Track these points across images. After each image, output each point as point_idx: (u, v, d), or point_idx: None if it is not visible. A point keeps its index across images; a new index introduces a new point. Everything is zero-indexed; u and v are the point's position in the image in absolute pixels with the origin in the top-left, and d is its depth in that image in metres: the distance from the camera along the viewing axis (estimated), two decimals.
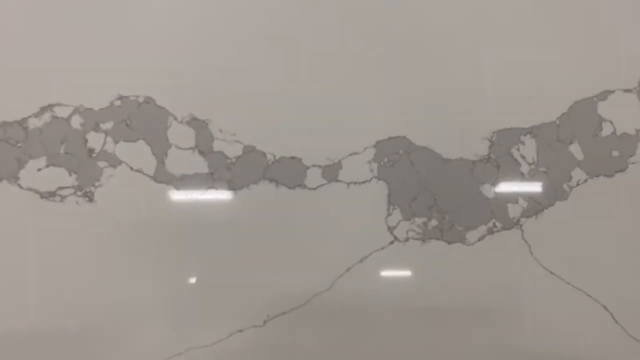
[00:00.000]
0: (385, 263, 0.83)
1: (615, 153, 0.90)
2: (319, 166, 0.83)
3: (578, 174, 0.89)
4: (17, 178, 0.79)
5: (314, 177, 0.84)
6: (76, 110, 0.82)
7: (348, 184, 0.84)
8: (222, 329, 0.77)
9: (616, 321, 0.84)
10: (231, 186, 0.82)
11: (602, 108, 0.91)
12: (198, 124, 0.83)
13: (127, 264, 0.78)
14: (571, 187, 0.89)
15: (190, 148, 0.83)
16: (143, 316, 0.77)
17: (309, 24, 0.88)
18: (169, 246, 0.79)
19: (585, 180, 0.89)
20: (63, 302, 0.77)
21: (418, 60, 0.88)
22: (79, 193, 0.79)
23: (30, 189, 0.79)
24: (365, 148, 0.85)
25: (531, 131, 0.90)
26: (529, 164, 0.89)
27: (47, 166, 0.80)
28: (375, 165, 0.85)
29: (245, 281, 0.79)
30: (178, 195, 0.80)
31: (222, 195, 0.81)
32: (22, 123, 0.80)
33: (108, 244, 0.78)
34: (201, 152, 0.82)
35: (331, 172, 0.84)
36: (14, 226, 0.78)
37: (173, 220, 0.80)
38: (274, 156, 0.83)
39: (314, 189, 0.84)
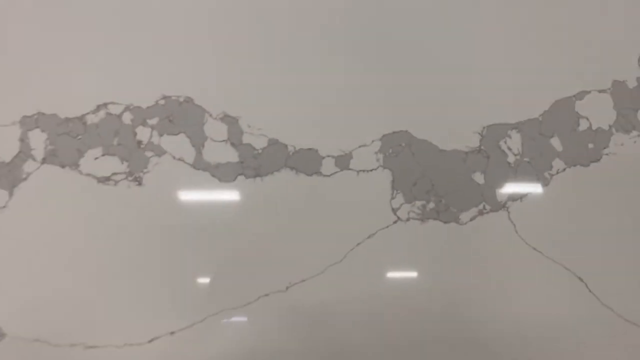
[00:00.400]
0: (389, 239, 0.96)
1: (590, 145, 1.03)
2: (333, 156, 0.96)
3: (558, 163, 1.01)
4: (78, 165, 0.92)
5: (328, 165, 0.96)
6: (127, 108, 0.95)
7: (358, 171, 0.97)
8: (251, 294, 0.91)
9: (590, 290, 0.97)
10: (258, 173, 0.95)
11: (579, 106, 1.04)
12: (230, 120, 0.96)
13: (170, 237, 0.91)
14: (552, 175, 1.01)
15: (223, 140, 0.96)
16: (185, 280, 0.90)
17: (329, 31, 1.01)
18: (207, 222, 0.92)
19: (564, 169, 1.01)
20: (115, 267, 0.91)
21: (418, 63, 1.02)
22: (129, 178, 0.92)
23: (88, 175, 0.92)
24: (373, 141, 0.98)
25: (517, 126, 1.02)
26: (515, 155, 1.01)
27: (102, 155, 0.92)
28: (381, 156, 0.97)
29: (270, 253, 0.92)
30: (213, 180, 0.94)
31: (250, 180, 0.95)
32: (81, 119, 0.93)
33: (155, 221, 0.92)
34: (232, 144, 0.95)
35: (343, 161, 0.96)
36: (76, 205, 0.91)
37: (209, 201, 0.94)
38: (294, 147, 0.96)
39: (329, 175, 0.96)
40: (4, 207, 0.89)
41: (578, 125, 1.02)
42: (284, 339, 0.89)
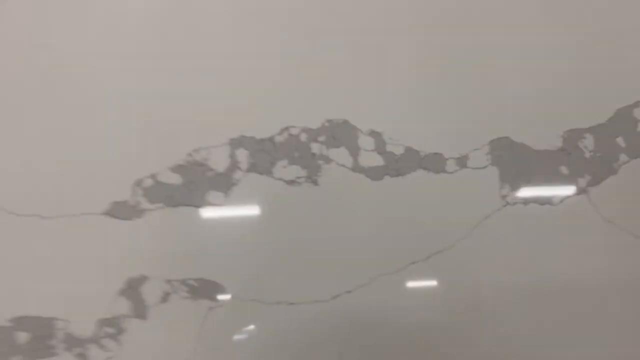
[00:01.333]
0: (500, 220, 1.27)
1: None
2: (455, 157, 1.28)
3: (623, 157, 1.32)
4: (271, 172, 1.25)
5: (451, 165, 1.29)
6: (302, 130, 1.27)
7: (473, 169, 1.30)
8: (401, 261, 1.23)
9: None
10: (399, 173, 1.27)
11: (637, 112, 1.35)
12: (376, 134, 1.29)
13: (340, 217, 1.24)
14: (619, 165, 1.32)
15: (372, 150, 1.29)
16: (353, 248, 1.23)
17: None
18: (362, 206, 1.24)
19: (628, 161, 1.32)
20: (294, 242, 1.23)
21: (515, 78, 1.33)
22: (308, 180, 1.25)
23: (280, 179, 1.25)
24: (483, 145, 1.30)
25: (589, 130, 1.33)
26: (590, 151, 1.32)
27: (288, 165, 1.26)
28: (490, 156, 1.30)
29: (412, 226, 1.24)
30: (366, 179, 1.27)
31: (394, 179, 1.27)
32: (271, 139, 1.27)
33: (328, 208, 1.24)
34: (379, 152, 1.28)
35: (462, 161, 1.28)
36: (273, 202, 1.24)
37: (364, 193, 1.26)
38: (425, 152, 1.29)
39: (452, 173, 1.29)
40: (222, 205, 1.23)
41: (636, 127, 1.32)
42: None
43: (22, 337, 1.13)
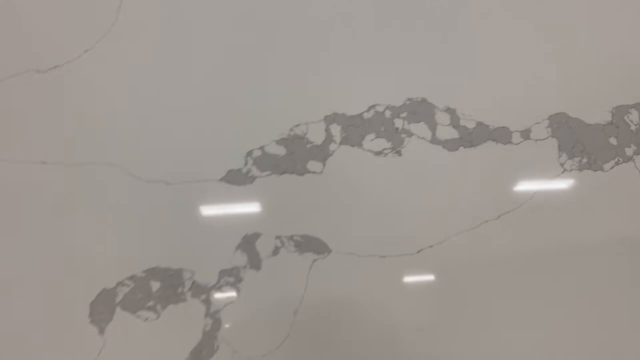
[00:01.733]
0: (559, 185, 1.46)
1: None
2: (519, 130, 1.45)
3: None
4: (361, 145, 1.41)
5: (516, 137, 1.46)
6: (387, 107, 1.47)
7: (535, 140, 1.48)
8: (447, 231, 1.42)
9: None
10: (471, 144, 1.46)
11: None
12: (451, 111, 1.47)
13: (422, 180, 1.43)
14: None
15: (447, 125, 1.47)
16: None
17: None
18: (438, 170, 1.44)
19: None
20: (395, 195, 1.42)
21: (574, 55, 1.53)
22: (393, 152, 1.44)
23: (369, 150, 1.43)
24: (543, 119, 1.49)
25: (634, 106, 1.53)
26: (635, 125, 1.51)
27: (375, 138, 1.44)
28: (549, 129, 1.48)
29: (481, 189, 1.44)
30: (444, 150, 1.45)
31: (467, 149, 1.45)
32: (360, 116, 1.44)
33: (411, 174, 1.43)
34: (454, 126, 1.47)
35: (526, 134, 1.44)
36: (361, 170, 1.42)
37: (438, 164, 1.44)
38: (493, 126, 1.47)
39: (517, 144, 1.47)
40: (320, 172, 1.41)
41: None
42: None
43: (155, 285, 1.32)
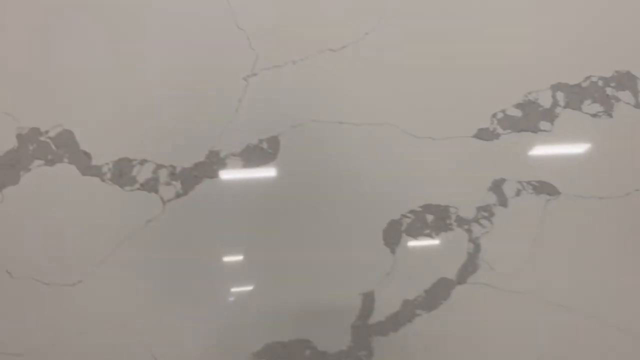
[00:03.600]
0: None
1: None
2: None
3: None
4: (580, 108, 1.78)
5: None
6: (599, 78, 1.80)
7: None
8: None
9: None
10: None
11: None
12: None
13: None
14: None
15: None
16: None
17: None
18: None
19: None
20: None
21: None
22: (605, 114, 1.78)
23: (586, 113, 1.77)
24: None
25: None
26: None
27: (592, 103, 1.80)
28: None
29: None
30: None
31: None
32: (578, 85, 1.78)
33: (619, 139, 1.79)
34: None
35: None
36: (581, 133, 1.79)
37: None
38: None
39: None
40: (549, 131, 1.76)
41: None
42: None
43: (429, 218, 1.70)
